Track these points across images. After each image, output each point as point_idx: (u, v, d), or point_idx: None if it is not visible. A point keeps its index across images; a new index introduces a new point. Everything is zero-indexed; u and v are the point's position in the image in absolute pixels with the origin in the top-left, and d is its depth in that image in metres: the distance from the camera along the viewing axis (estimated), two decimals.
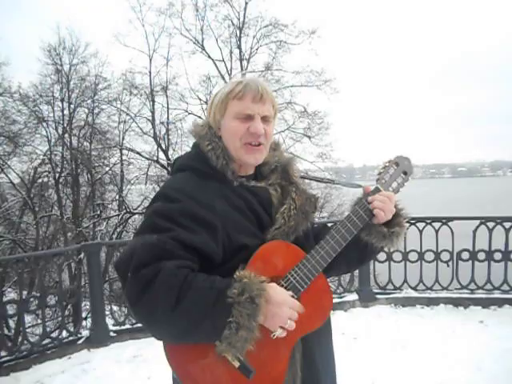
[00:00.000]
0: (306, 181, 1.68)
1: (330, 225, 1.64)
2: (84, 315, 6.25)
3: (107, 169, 15.80)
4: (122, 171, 15.76)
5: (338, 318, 4.90)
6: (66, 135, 14.96)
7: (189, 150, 1.47)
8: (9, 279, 12.00)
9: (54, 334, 4.35)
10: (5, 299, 5.30)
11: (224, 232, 1.25)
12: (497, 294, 5.24)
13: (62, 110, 15.14)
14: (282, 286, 1.26)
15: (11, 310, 4.18)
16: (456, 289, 5.35)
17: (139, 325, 4.18)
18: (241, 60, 15.95)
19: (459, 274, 5.33)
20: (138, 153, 15.64)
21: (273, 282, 1.24)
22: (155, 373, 3.59)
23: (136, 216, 14.83)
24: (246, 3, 15.48)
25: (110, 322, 4.58)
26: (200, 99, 15.48)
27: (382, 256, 5.33)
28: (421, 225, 5.35)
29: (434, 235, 5.36)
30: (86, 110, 15.42)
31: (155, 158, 15.43)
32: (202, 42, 15.78)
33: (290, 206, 1.38)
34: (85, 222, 14.90)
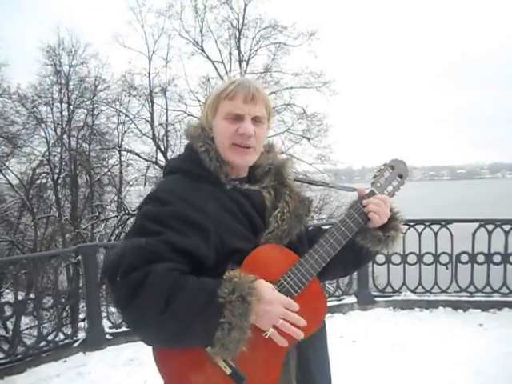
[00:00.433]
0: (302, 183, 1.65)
1: (325, 227, 1.61)
2: (82, 317, 6.23)
3: (106, 170, 15.79)
4: (120, 172, 15.76)
5: (336, 321, 4.88)
6: (65, 136, 14.95)
7: None
8: (6, 280, 11.98)
9: (50, 337, 4.31)
10: (2, 300, 5.26)
11: (216, 235, 1.23)
12: (496, 297, 5.21)
13: (61, 111, 15.13)
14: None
15: (9, 311, 4.15)
16: (455, 292, 5.33)
17: None
18: (240, 61, 15.95)
19: (458, 277, 5.31)
20: (136, 154, 15.64)
21: None
22: (152, 376, 3.50)
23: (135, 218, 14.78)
24: (246, 5, 15.51)
25: (106, 324, 4.54)
26: (199, 101, 15.46)
27: (380, 258, 5.30)
28: (420, 227, 5.32)
29: (433, 238, 5.33)
30: (85, 111, 15.43)
31: (154, 160, 15.43)
32: (202, 43, 15.81)
33: (284, 210, 1.35)
34: (83, 223, 14.87)
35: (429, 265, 5.33)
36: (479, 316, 4.99)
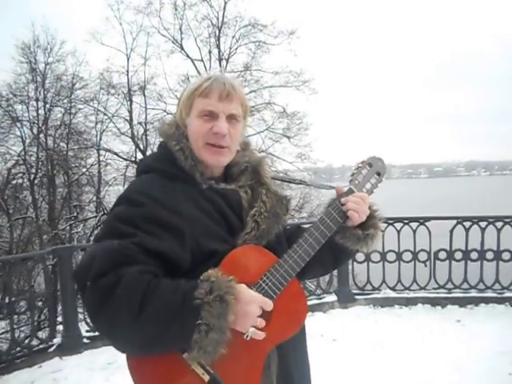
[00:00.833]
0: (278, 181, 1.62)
1: (304, 226, 1.58)
2: (61, 320, 6.08)
3: (84, 170, 15.52)
4: (99, 172, 15.51)
5: (316, 320, 4.88)
6: (42, 135, 14.63)
7: None
8: None
9: (25, 341, 4.19)
10: None
11: (192, 237, 1.18)
12: (473, 293, 5.31)
13: (37, 110, 14.80)
14: None
15: None
16: (433, 288, 5.40)
17: None
18: (220, 60, 15.86)
19: (436, 274, 5.39)
20: (115, 153, 15.40)
21: None
22: (130, 380, 3.47)
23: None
24: (225, 3, 15.40)
25: (83, 327, 4.43)
26: (178, 99, 15.32)
27: (360, 256, 5.33)
28: (398, 225, 5.37)
29: (412, 235, 5.38)
30: (62, 110, 15.11)
31: (133, 159, 15.21)
32: (181, 41, 15.64)
33: (261, 209, 1.31)
34: (61, 224, 14.59)
35: (408, 262, 5.39)
36: (457, 312, 5.07)
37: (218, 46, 15.81)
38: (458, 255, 5.33)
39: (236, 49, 16.03)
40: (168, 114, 15.19)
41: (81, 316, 4.68)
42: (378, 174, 1.47)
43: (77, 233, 14.42)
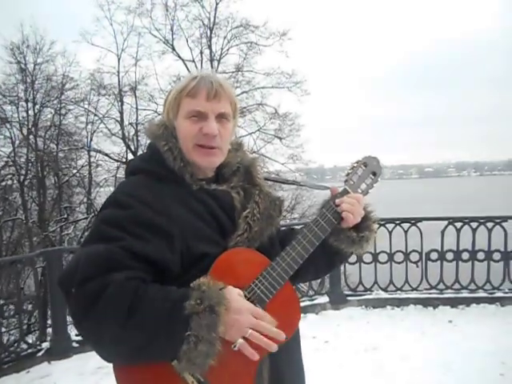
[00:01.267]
0: (270, 182, 1.60)
1: (297, 227, 1.55)
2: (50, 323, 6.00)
3: (75, 171, 15.42)
4: (90, 173, 15.41)
5: (309, 321, 4.87)
6: (31, 136, 14.51)
7: None
8: None
9: (14, 346, 4.12)
10: None
11: (182, 240, 1.15)
12: (465, 294, 5.33)
13: (27, 111, 14.69)
14: (246, 296, 1.17)
15: None
16: (425, 289, 5.41)
17: None
18: (211, 61, 15.83)
19: (428, 275, 5.40)
20: (106, 154, 15.33)
21: None
22: None
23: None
24: (217, 3, 15.42)
25: (73, 331, 4.37)
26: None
27: (352, 257, 5.27)
28: (390, 226, 5.37)
29: (404, 236, 5.39)
30: (52, 111, 15.02)
31: (124, 160, 15.11)
32: (172, 41, 15.62)
33: (254, 210, 1.28)
34: (51, 226, 14.44)
35: (399, 263, 5.39)
36: (449, 312, 5.08)
37: (210, 47, 15.80)
38: (450, 256, 5.35)
39: (228, 50, 16.06)
40: (159, 114, 15.08)
41: (70, 319, 4.61)
42: (374, 173, 1.44)
43: (67, 234, 14.30)
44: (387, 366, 3.75)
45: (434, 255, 5.38)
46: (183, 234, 1.15)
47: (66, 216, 14.85)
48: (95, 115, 15.20)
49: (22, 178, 14.30)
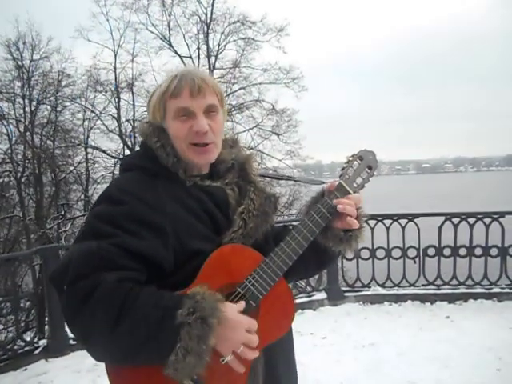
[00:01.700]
0: (268, 179, 1.58)
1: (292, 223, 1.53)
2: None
3: (72, 168, 15.35)
4: (87, 170, 15.37)
5: (306, 317, 4.87)
6: (28, 133, 14.44)
7: None
8: None
9: (10, 344, 4.10)
10: None
11: (175, 236, 1.14)
12: (462, 289, 5.33)
13: (24, 107, 14.62)
14: (239, 293, 1.16)
15: None
16: (423, 285, 5.41)
17: None
18: (208, 57, 15.76)
19: (426, 270, 5.40)
20: (103, 151, 15.26)
21: (229, 289, 1.14)
22: None
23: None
24: None
25: None
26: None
27: (351, 253, 5.31)
28: (387, 222, 5.36)
29: (401, 232, 5.38)
30: (49, 108, 14.94)
31: (121, 157, 15.06)
32: (169, 37, 15.54)
33: (249, 207, 1.27)
34: (49, 223, 14.40)
35: (397, 259, 5.39)
36: (446, 308, 5.08)
37: (207, 43, 15.72)
38: (447, 251, 5.35)
39: (225, 45, 15.97)
40: None
41: None
42: (370, 167, 1.40)
43: (65, 231, 14.26)
44: (384, 362, 3.75)
45: (431, 251, 5.37)
46: (177, 231, 1.14)
47: (63, 213, 14.81)
48: (92, 112, 15.14)
49: (19, 174, 14.25)
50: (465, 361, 3.71)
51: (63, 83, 14.84)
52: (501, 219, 5.33)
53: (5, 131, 14.38)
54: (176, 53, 15.66)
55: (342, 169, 1.38)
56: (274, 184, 12.64)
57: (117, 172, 15.08)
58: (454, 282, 5.37)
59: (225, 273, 1.15)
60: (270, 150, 15.84)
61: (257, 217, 1.26)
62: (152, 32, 15.36)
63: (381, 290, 5.42)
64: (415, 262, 5.42)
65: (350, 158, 1.40)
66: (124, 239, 1.07)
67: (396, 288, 5.43)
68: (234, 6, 15.52)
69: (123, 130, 15.08)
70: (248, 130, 15.78)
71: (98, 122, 15.30)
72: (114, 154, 15.27)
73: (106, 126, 15.22)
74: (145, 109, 15.29)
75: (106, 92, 15.07)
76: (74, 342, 4.19)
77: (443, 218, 5.39)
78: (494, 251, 5.33)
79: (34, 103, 14.60)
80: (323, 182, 1.46)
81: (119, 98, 15.09)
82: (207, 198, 1.23)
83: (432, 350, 3.96)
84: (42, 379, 3.69)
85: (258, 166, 14.71)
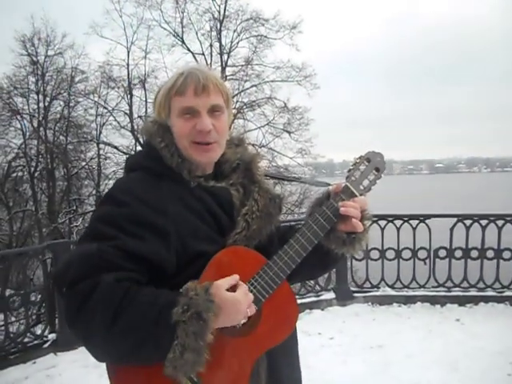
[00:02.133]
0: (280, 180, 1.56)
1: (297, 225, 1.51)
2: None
3: (84, 163, 15.51)
4: (99, 166, 15.52)
5: (314, 317, 4.85)
6: (42, 128, 14.63)
7: None
8: None
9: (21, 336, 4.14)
10: None
11: (177, 238, 1.13)
12: (473, 292, 5.25)
13: (38, 103, 14.83)
14: None
15: None
16: (433, 287, 5.34)
17: None
18: (221, 54, 15.77)
19: (436, 272, 5.32)
20: (115, 147, 15.39)
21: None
22: None
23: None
24: None
25: None
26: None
27: (359, 253, 5.27)
28: (398, 222, 5.31)
29: (412, 233, 5.33)
30: (62, 103, 15.14)
31: (133, 153, 15.15)
32: (182, 34, 15.58)
33: (253, 208, 1.25)
34: (60, 217, 14.59)
35: (407, 260, 5.34)
36: (456, 311, 5.01)
37: (220, 40, 15.73)
38: (458, 253, 5.27)
39: (237, 43, 15.98)
40: None
41: None
42: (377, 169, 1.38)
43: (76, 226, 14.41)
44: (392, 364, 3.72)
45: (442, 253, 5.30)
46: (179, 232, 1.13)
47: (74, 208, 14.99)
48: (104, 108, 15.26)
49: (32, 169, 14.45)
50: (474, 365, 3.66)
51: (76, 79, 15.04)
52: None
53: (19, 126, 14.60)
54: (188, 50, 15.72)
55: (349, 170, 1.37)
56: (284, 182, 12.61)
57: None
58: (465, 284, 5.30)
59: (227, 275, 1.13)
60: (282, 148, 15.83)
61: (260, 218, 1.25)
62: (165, 29, 15.44)
63: (390, 291, 5.37)
64: (425, 264, 5.35)
65: (357, 160, 1.38)
66: (125, 241, 1.07)
67: (405, 289, 5.37)
68: (247, 4, 15.53)
69: (135, 127, 15.16)
70: (259, 127, 15.78)
71: (111, 118, 15.46)
72: (125, 150, 15.39)
73: (118, 122, 15.36)
74: None
75: (119, 88, 15.20)
76: None
77: (455, 219, 5.31)
78: (506, 254, 5.24)
79: (48, 99, 14.79)
80: (329, 184, 1.44)
81: (132, 95, 15.20)
82: (211, 199, 1.22)
83: (441, 353, 3.91)
84: (51, 372, 3.73)
85: (269, 164, 14.69)
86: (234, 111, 14.05)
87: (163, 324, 1.00)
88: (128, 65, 15.03)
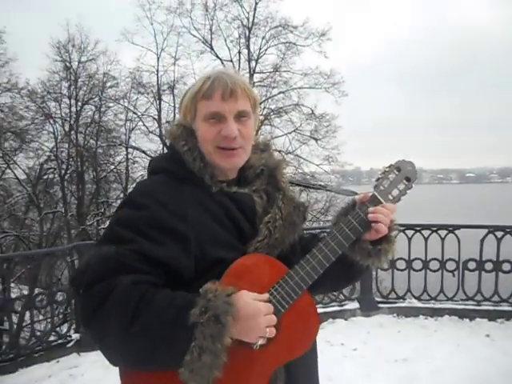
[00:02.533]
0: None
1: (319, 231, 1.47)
2: None
3: (112, 167, 15.81)
4: (127, 169, 15.78)
5: (337, 327, 4.76)
6: (73, 132, 14.99)
7: None
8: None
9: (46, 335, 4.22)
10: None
11: (197, 243, 1.11)
12: (504, 307, 5.05)
13: (70, 107, 15.20)
14: None
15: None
16: (461, 300, 5.17)
17: None
18: (249, 60, 15.86)
19: (465, 285, 5.16)
20: (143, 151, 15.64)
21: None
22: None
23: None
24: (256, 3, 15.45)
25: None
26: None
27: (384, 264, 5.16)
28: (426, 232, 5.17)
29: (440, 243, 5.18)
30: (93, 108, 15.49)
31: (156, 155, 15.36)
32: (211, 41, 15.75)
33: (276, 216, 1.22)
34: (89, 219, 14.89)
35: (435, 271, 5.19)
36: (486, 326, 4.83)
37: (248, 47, 15.83)
38: (489, 266, 5.09)
39: (266, 50, 16.04)
40: None
41: None
42: (408, 179, 1.32)
43: (103, 228, 14.66)
44: (417, 379, 3.60)
45: (471, 265, 5.13)
46: (199, 238, 1.11)
47: (102, 210, 15.27)
48: (134, 113, 15.55)
49: (62, 172, 14.80)
50: (504, 383, 3.51)
51: (108, 85, 15.37)
52: None
53: (51, 130, 15.00)
54: (217, 56, 15.87)
55: (377, 179, 1.31)
56: (310, 189, 12.52)
57: None
58: (496, 298, 5.10)
59: (246, 283, 1.10)
60: (308, 155, 15.76)
61: (283, 227, 1.21)
62: (194, 36, 15.65)
63: (416, 303, 5.22)
64: (454, 276, 5.20)
65: (387, 169, 1.32)
66: (142, 245, 1.06)
67: (433, 301, 5.22)
68: (277, 11, 15.60)
69: (163, 132, 15.38)
70: (286, 134, 15.76)
71: (140, 123, 15.74)
72: (153, 155, 15.60)
73: (146, 127, 15.62)
74: None
75: (148, 94, 15.47)
76: None
77: (486, 230, 5.14)
78: None
79: (80, 103, 15.16)
80: (355, 193, 1.39)
81: (161, 100, 15.45)
82: (233, 205, 1.20)
83: (469, 369, 3.76)
84: (74, 372, 3.78)
85: (295, 170, 14.63)
86: (261, 117, 14.07)
87: (180, 326, 0.98)
88: (157, 71, 15.31)
